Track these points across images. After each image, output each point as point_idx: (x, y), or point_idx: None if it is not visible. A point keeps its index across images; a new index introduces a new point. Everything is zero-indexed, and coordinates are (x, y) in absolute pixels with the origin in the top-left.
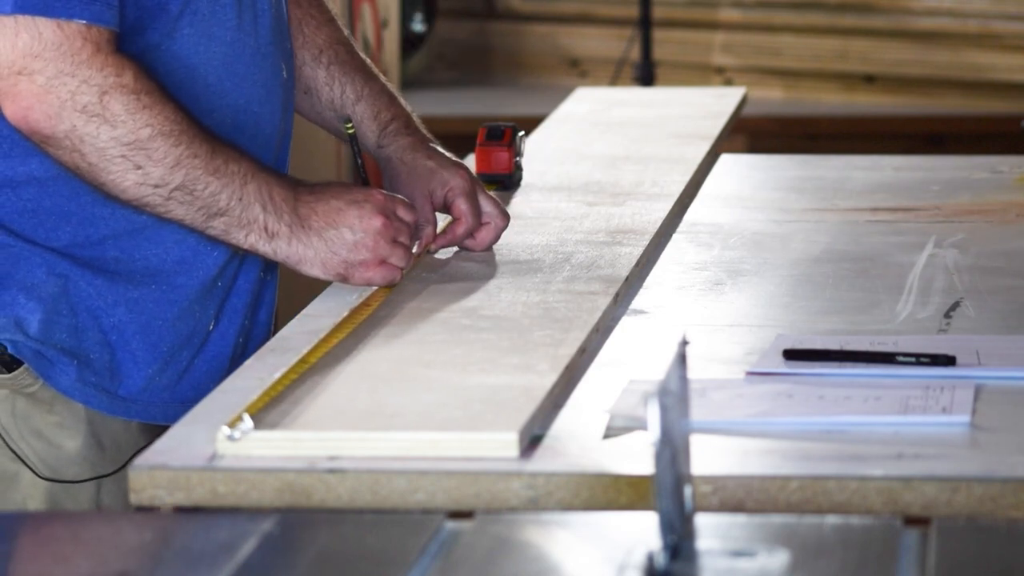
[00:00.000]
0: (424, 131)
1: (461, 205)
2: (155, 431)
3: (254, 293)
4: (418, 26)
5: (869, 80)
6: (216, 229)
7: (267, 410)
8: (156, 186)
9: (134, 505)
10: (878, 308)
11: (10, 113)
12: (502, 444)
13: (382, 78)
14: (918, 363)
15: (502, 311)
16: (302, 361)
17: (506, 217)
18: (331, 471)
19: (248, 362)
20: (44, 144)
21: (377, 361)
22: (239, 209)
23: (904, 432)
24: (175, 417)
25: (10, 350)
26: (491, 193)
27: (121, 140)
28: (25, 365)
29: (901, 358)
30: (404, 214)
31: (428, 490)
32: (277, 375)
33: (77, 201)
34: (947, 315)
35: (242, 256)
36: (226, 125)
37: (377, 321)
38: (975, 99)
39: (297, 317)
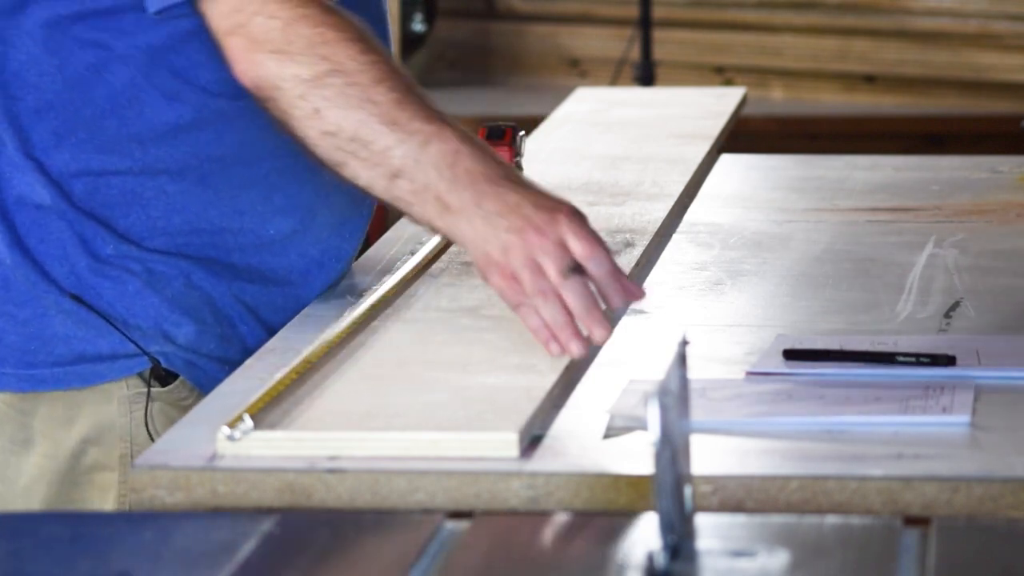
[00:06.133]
0: None
1: None
2: None
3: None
4: (418, 26)
5: (869, 80)
6: (401, 197)
7: (267, 410)
8: (333, 134)
9: (134, 505)
10: (878, 308)
11: (238, 78)
12: (502, 444)
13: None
14: (918, 363)
15: (502, 311)
16: (303, 361)
17: None
18: (331, 471)
19: (248, 362)
20: (262, 104)
21: (377, 361)
22: (414, 171)
23: (904, 432)
24: None
25: (163, 363)
26: None
27: (300, 77)
28: (181, 378)
29: (901, 358)
30: (573, 243)
31: (428, 490)
32: (277, 375)
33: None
34: (947, 315)
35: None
36: None
37: (378, 321)
38: (975, 99)
39: (297, 317)
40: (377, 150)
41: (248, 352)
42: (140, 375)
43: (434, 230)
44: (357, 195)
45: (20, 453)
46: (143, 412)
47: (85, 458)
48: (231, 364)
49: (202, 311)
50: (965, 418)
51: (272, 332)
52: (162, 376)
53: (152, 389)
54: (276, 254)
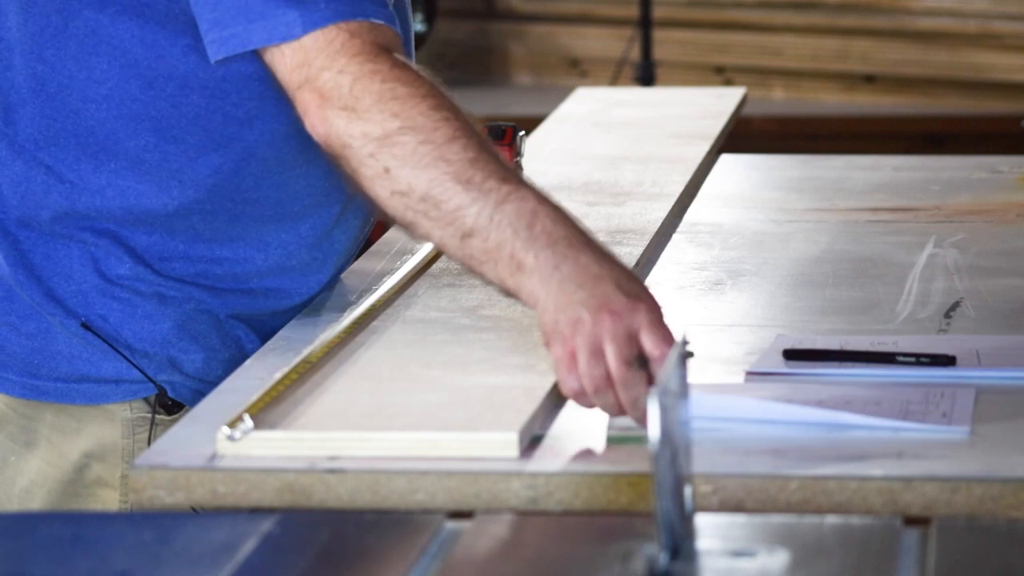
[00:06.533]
0: None
1: None
2: None
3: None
4: (418, 26)
5: (869, 80)
6: (474, 257)
7: (267, 410)
8: (404, 193)
9: (134, 505)
10: (878, 308)
11: (309, 131)
12: (502, 444)
13: None
14: (918, 363)
15: (502, 311)
16: (303, 361)
17: None
18: (331, 471)
19: (248, 362)
20: (333, 161)
21: (377, 361)
22: (487, 231)
23: (904, 433)
24: None
25: (170, 393)
26: None
27: (369, 135)
28: (187, 408)
29: (901, 358)
30: (647, 340)
31: (428, 490)
32: (277, 375)
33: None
34: (947, 315)
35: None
36: None
37: (378, 321)
38: (975, 99)
39: (297, 317)
40: (449, 209)
41: None
42: (145, 399)
43: (505, 291)
44: (365, 219)
45: (21, 453)
46: (146, 436)
47: (88, 472)
48: None
49: (210, 336)
50: (965, 428)
51: None
52: (168, 405)
53: (157, 416)
54: (295, 280)
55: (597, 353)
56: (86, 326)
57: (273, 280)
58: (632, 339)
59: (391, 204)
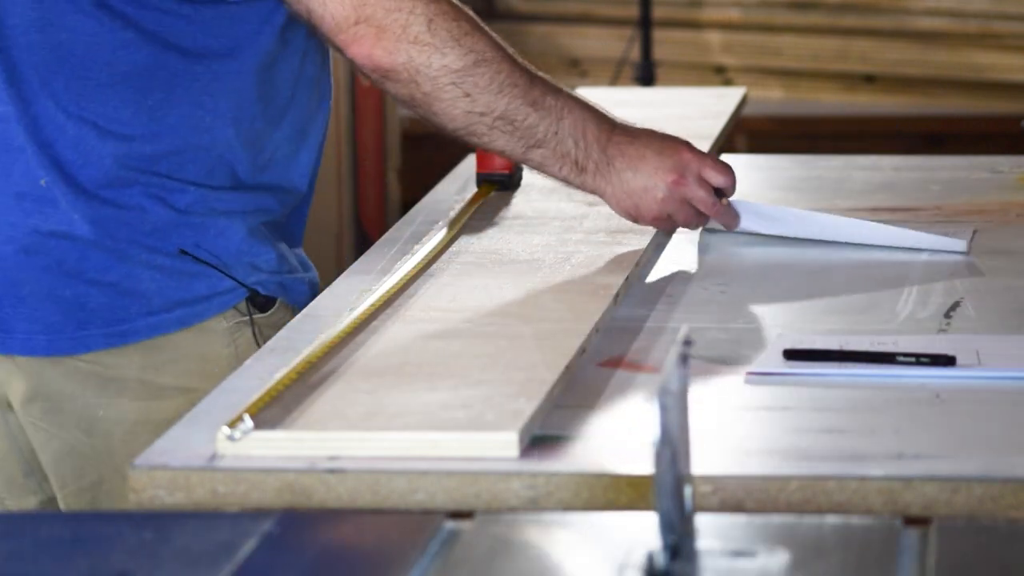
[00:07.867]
0: None
1: None
2: None
3: None
4: None
5: (869, 80)
6: (534, 161)
7: (267, 410)
8: (482, 113)
9: (134, 505)
10: (878, 308)
11: (353, 55)
12: (502, 444)
13: None
14: (918, 363)
15: (502, 311)
16: (303, 361)
17: None
18: (331, 471)
19: (248, 362)
20: (384, 80)
21: (377, 361)
22: (554, 142)
23: (904, 431)
24: None
25: (261, 291)
26: None
27: (450, 67)
28: (279, 301)
29: (901, 358)
30: (712, 176)
31: (428, 490)
32: (277, 375)
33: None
34: (947, 315)
35: None
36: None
37: (377, 321)
38: (975, 99)
39: (297, 317)
40: (524, 127)
41: (310, 269)
42: (235, 308)
43: (568, 184)
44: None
45: (110, 405)
46: (245, 339)
47: (194, 395)
48: (310, 284)
49: (274, 236)
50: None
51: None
52: (262, 303)
53: (253, 316)
54: (299, 174)
55: (692, 211)
56: (184, 251)
57: (295, 171)
58: (704, 184)
59: (465, 120)
